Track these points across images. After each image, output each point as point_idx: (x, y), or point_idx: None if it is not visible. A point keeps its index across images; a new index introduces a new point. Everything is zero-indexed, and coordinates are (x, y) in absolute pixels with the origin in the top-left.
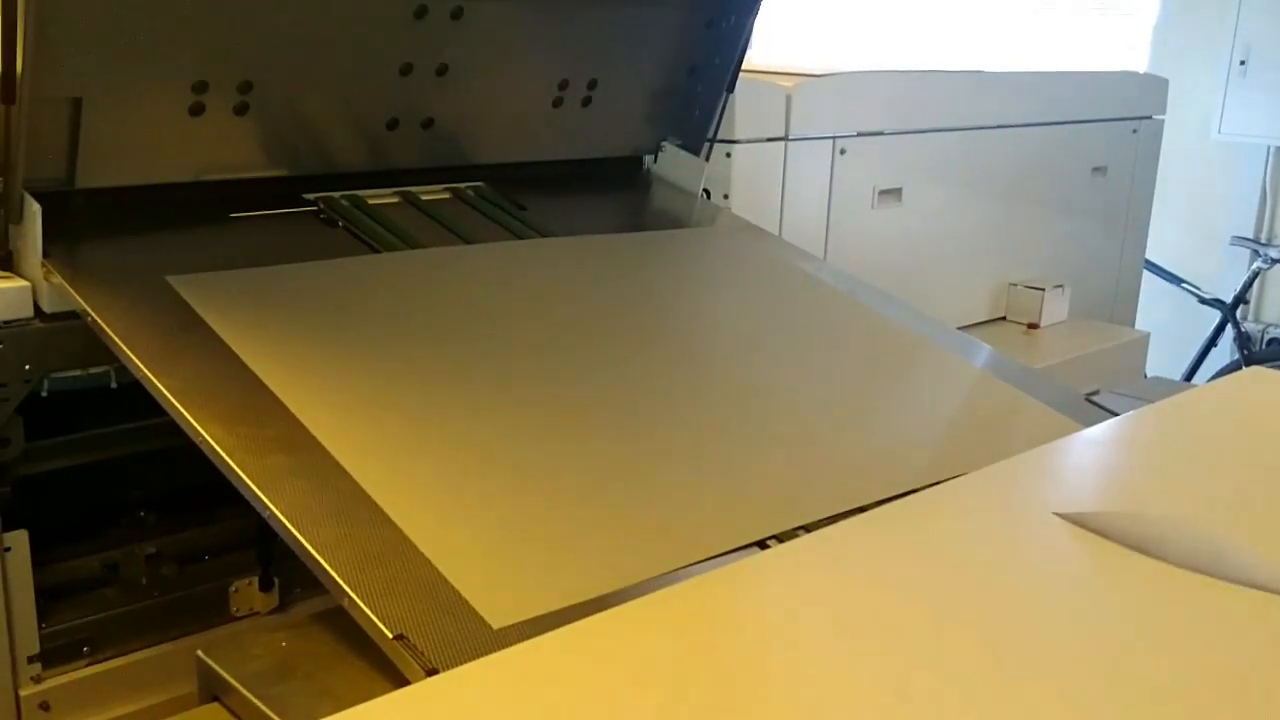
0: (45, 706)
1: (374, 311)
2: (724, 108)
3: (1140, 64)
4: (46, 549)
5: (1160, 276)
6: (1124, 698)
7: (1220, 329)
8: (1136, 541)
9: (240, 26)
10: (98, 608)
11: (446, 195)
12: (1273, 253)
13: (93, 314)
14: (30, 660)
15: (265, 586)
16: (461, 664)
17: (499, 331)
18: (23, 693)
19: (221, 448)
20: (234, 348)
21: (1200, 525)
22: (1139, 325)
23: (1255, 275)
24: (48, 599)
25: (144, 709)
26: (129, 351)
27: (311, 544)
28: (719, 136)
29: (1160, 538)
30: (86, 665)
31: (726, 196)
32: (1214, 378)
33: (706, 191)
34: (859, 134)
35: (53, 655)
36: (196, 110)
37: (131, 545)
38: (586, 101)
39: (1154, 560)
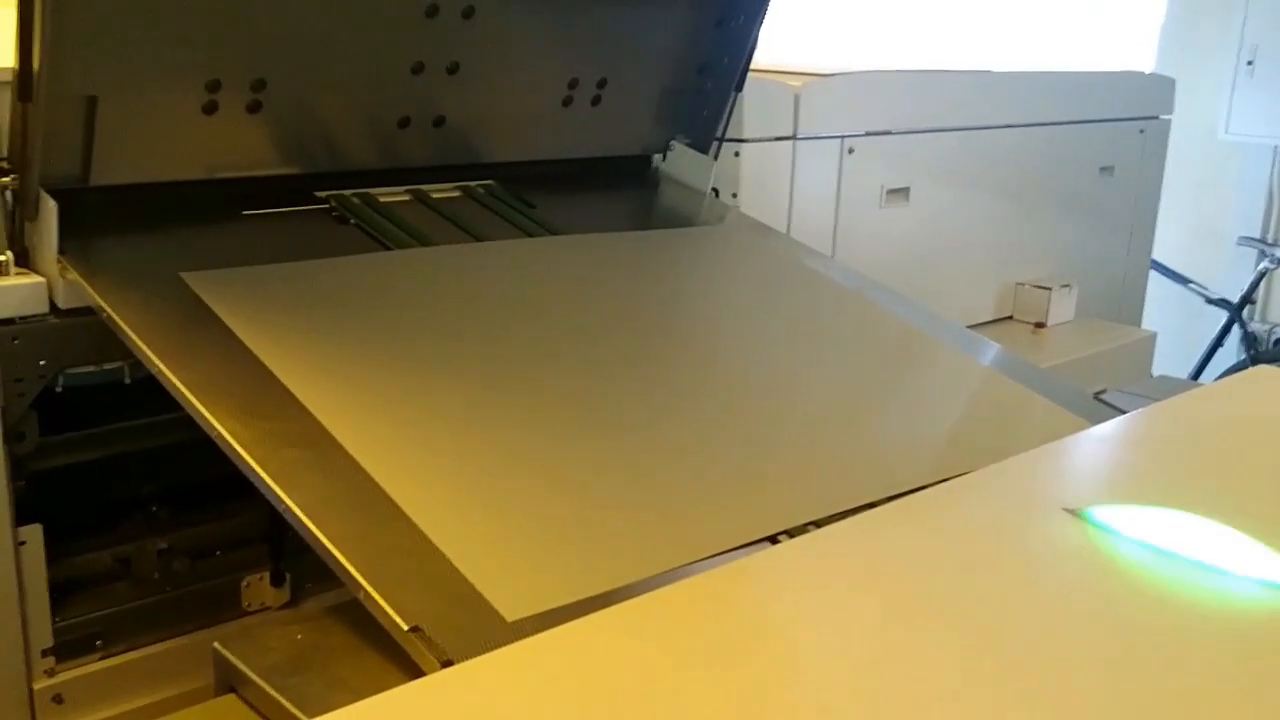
0: (59, 699)
1: (387, 308)
2: (732, 107)
3: (1147, 64)
4: (60, 543)
5: (1167, 276)
6: (1132, 692)
7: (1227, 329)
8: (1144, 537)
9: (253, 25)
10: (110, 602)
11: (457, 193)
12: (1279, 253)
13: (108, 309)
14: (44, 654)
15: (277, 581)
16: (476, 656)
17: (511, 329)
18: (36, 686)
19: (237, 442)
20: (248, 343)
21: (1207, 521)
22: (1145, 325)
23: (1262, 275)
24: (61, 593)
25: (156, 702)
26: (144, 347)
27: (327, 537)
28: (727, 135)
29: (1167, 533)
30: (99, 659)
31: (735, 195)
32: (1220, 378)
33: (715, 190)
34: (867, 133)
35: (66, 649)
36: (210, 108)
37: (144, 540)
38: (596, 100)
39: (1161, 555)
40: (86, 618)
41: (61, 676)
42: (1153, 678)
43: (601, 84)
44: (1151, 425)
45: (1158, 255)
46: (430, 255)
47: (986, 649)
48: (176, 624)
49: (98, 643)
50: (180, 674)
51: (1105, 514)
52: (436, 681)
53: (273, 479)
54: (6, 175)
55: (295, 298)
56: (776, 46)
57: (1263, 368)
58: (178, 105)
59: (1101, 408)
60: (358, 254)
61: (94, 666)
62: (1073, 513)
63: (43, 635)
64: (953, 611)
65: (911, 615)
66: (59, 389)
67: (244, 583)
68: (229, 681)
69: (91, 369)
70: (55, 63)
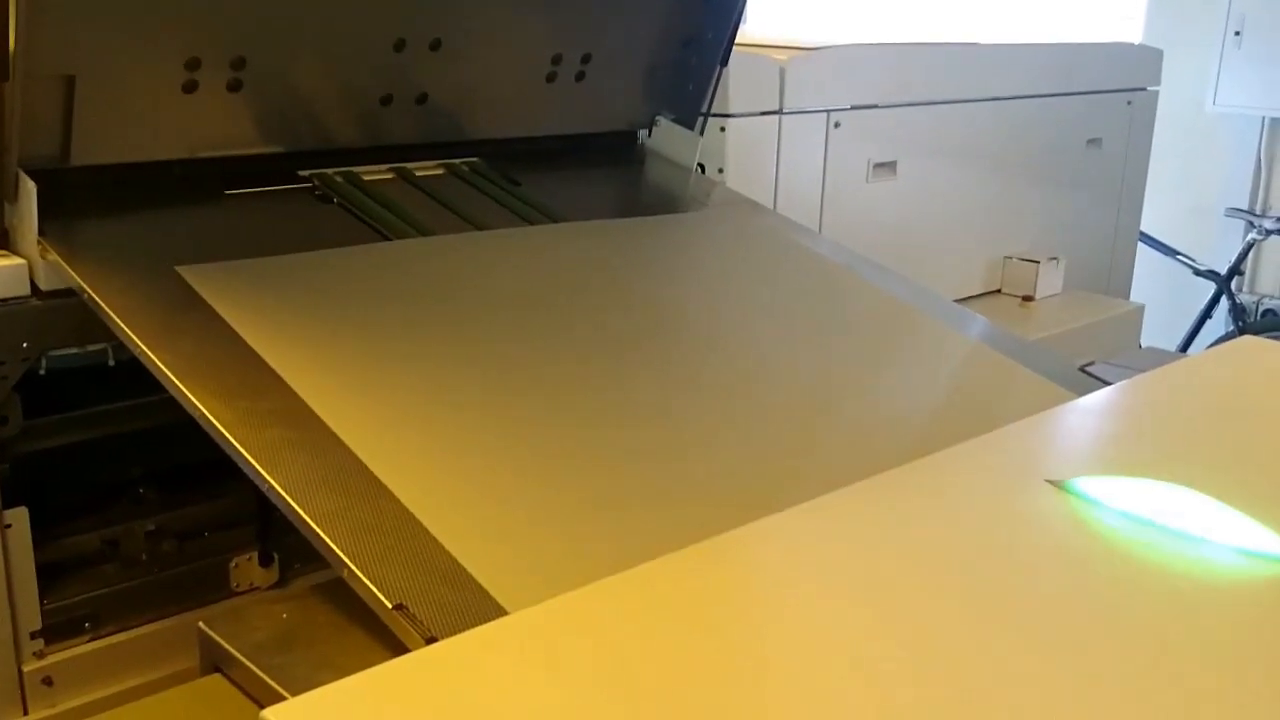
0: (48, 681)
1: (377, 294)
2: (718, 81)
3: (1135, 35)
4: (47, 526)
5: (1155, 248)
6: (1114, 659)
7: (1215, 301)
8: (1126, 507)
9: (233, 3)
10: (99, 584)
11: (441, 171)
12: (1267, 224)
13: (89, 291)
14: (33, 636)
15: (265, 562)
16: (460, 633)
17: (501, 315)
18: (26, 668)
19: (219, 421)
20: (232, 324)
21: (1189, 491)
22: (1134, 297)
23: (1250, 247)
24: (49, 575)
25: (145, 684)
26: (126, 328)
27: (310, 516)
28: (713, 110)
29: (1149, 504)
30: (88, 641)
31: (721, 171)
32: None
33: (701, 166)
34: (853, 107)
35: (55, 631)
36: (190, 87)
37: (132, 522)
38: (580, 76)
39: (1143, 525)
40: (75, 600)
41: (51, 659)
42: (1135, 646)
43: (585, 59)
44: (1136, 396)
45: (1146, 227)
46: (426, 245)
47: (969, 621)
48: (165, 605)
49: (86, 625)
50: (170, 655)
51: (1088, 485)
52: (420, 658)
53: (256, 458)
54: None
55: (283, 282)
56: (762, 20)
57: (1248, 338)
58: (157, 84)
59: (1087, 380)
60: (351, 244)
61: (83, 648)
62: (1055, 484)
63: (31, 618)
64: (935, 584)
65: (893, 587)
66: (42, 371)
67: (232, 563)
68: (214, 661)
69: (75, 351)
70: (32, 42)
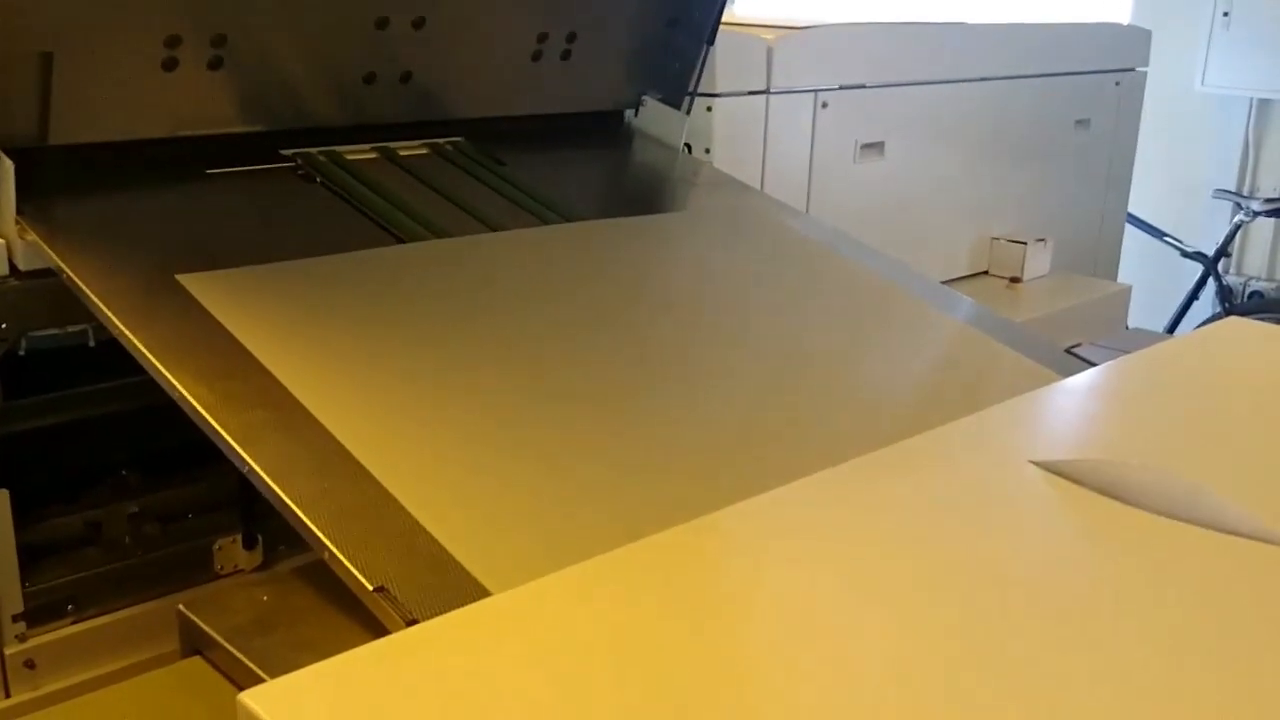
0: (30, 664)
1: (364, 288)
2: (704, 61)
3: (1123, 16)
4: (29, 508)
5: (1143, 230)
6: (1097, 646)
7: (1202, 282)
8: (1111, 488)
9: None
10: (81, 567)
11: (425, 150)
12: (1255, 205)
13: (69, 271)
14: (14, 619)
15: (249, 544)
16: (441, 614)
17: (489, 308)
18: (8, 651)
19: (200, 403)
20: (213, 312)
21: (1174, 472)
22: (1121, 279)
23: (1237, 228)
24: (31, 558)
25: (129, 666)
26: (105, 308)
27: (291, 498)
28: (700, 90)
29: (1134, 484)
30: (71, 624)
31: (708, 151)
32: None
33: (688, 146)
34: (841, 87)
35: (37, 614)
36: (169, 65)
37: (114, 504)
38: (565, 55)
39: (1127, 506)
40: (57, 583)
41: (33, 641)
42: (1118, 630)
43: (571, 38)
44: (1121, 377)
45: (1133, 209)
46: (418, 249)
47: (951, 603)
48: (148, 588)
49: (69, 607)
50: (153, 638)
51: (1072, 466)
52: (400, 640)
53: (236, 440)
54: None
55: (270, 277)
56: None
57: (1234, 319)
58: (136, 62)
59: (1073, 361)
60: (333, 224)
61: (66, 631)
62: (1040, 465)
63: (13, 600)
64: (917, 566)
65: (876, 570)
66: (22, 352)
67: (216, 546)
68: (194, 644)
69: (55, 332)
70: (7, 18)
